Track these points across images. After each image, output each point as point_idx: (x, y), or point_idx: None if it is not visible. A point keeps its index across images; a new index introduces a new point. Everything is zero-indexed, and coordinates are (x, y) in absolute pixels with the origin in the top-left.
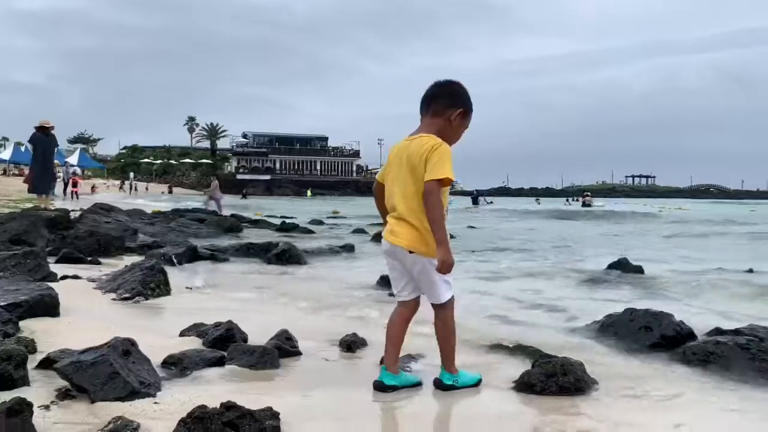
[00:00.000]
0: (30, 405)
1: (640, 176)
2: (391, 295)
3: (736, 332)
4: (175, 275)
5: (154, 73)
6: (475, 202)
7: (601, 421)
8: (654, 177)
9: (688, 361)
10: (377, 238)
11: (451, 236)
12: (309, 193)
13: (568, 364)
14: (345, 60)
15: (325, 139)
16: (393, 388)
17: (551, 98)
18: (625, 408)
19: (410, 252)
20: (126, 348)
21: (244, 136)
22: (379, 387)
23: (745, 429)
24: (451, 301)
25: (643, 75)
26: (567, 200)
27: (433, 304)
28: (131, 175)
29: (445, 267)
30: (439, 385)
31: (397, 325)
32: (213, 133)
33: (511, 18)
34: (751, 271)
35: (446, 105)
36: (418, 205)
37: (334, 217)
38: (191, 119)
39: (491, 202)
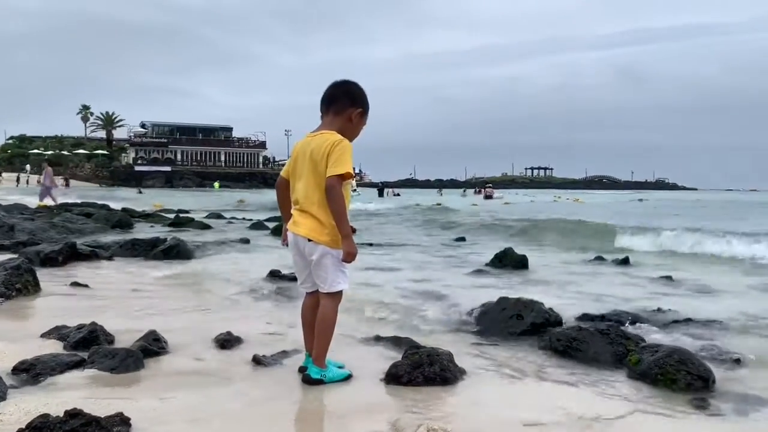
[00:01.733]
0: None
1: (539, 168)
2: (279, 291)
3: (602, 318)
4: (47, 274)
5: (43, 59)
6: (380, 194)
7: (457, 408)
8: (552, 169)
9: (553, 348)
10: (276, 231)
11: (354, 229)
12: (216, 185)
13: (434, 354)
14: (252, 49)
15: (230, 129)
16: (318, 382)
17: (458, 92)
18: (486, 395)
19: (309, 240)
20: None
21: (143, 125)
22: (306, 381)
23: (593, 406)
24: (340, 293)
25: (544, 71)
26: (463, 191)
27: (321, 293)
28: (27, 167)
29: (350, 257)
30: (307, 379)
31: (309, 312)
32: (109, 122)
33: (421, 11)
34: (626, 261)
35: (346, 104)
36: (319, 198)
37: (238, 209)
38: (85, 108)
39: (398, 194)
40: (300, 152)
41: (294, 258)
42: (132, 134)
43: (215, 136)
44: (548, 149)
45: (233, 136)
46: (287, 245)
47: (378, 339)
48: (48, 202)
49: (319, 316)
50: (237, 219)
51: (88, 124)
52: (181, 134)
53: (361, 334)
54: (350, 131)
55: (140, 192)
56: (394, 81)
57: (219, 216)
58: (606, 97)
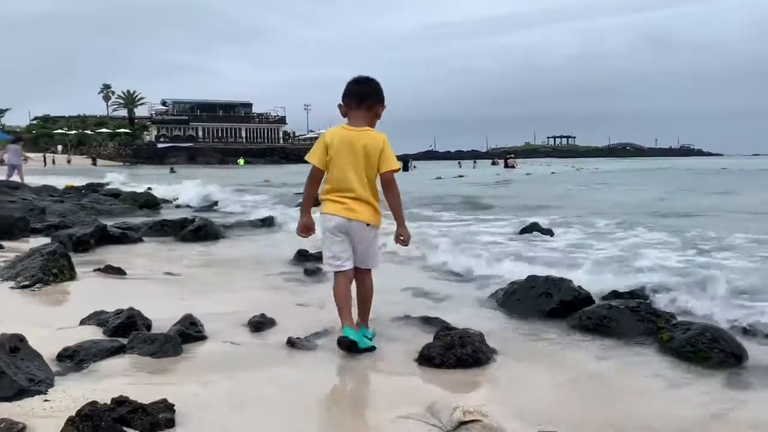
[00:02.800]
0: None
1: (561, 137)
2: (308, 272)
3: (631, 294)
4: (80, 258)
5: (64, 39)
6: (405, 167)
7: (491, 390)
8: (574, 137)
9: (583, 326)
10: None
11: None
12: (241, 161)
13: (466, 336)
14: (269, 22)
15: (250, 105)
16: (354, 344)
17: (477, 62)
18: (519, 376)
19: (368, 225)
20: (14, 344)
21: (164, 103)
22: (344, 343)
23: (626, 383)
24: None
25: (566, 38)
26: (493, 161)
27: (365, 269)
28: (59, 147)
29: (408, 240)
30: (354, 348)
31: (343, 290)
32: (130, 100)
33: None
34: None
35: (376, 101)
36: (372, 188)
37: (265, 185)
38: (106, 87)
39: (415, 167)
40: (343, 145)
41: (338, 241)
42: (153, 112)
43: (235, 112)
44: (570, 118)
45: (253, 111)
46: (304, 236)
47: (408, 318)
48: (15, 179)
49: (367, 290)
50: (260, 192)
51: (109, 103)
52: (202, 111)
53: (391, 313)
54: (375, 124)
55: (173, 171)
56: (412, 52)
57: (242, 191)
58: (629, 64)
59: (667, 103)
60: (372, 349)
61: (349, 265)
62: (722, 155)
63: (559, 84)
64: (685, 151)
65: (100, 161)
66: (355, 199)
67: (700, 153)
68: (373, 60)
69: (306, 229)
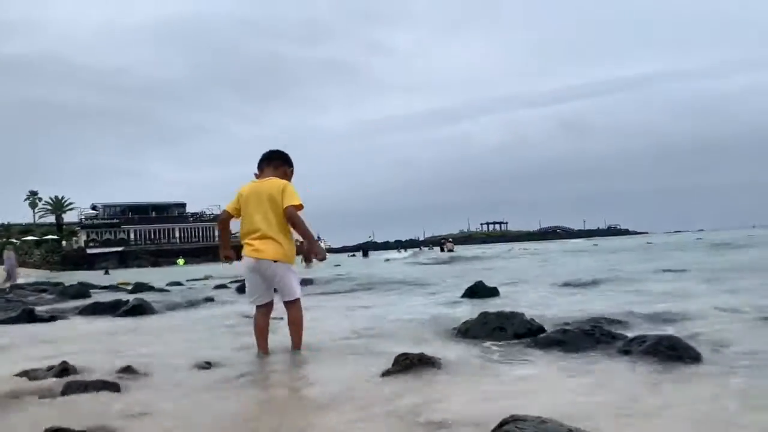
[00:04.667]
0: None
1: (494, 223)
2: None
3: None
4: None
5: None
6: (365, 254)
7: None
8: (507, 223)
9: (538, 345)
10: (240, 290)
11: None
12: (181, 261)
13: (425, 358)
14: (202, 121)
15: (183, 205)
16: None
17: (412, 154)
18: (474, 381)
19: (275, 261)
20: None
21: (94, 207)
22: None
23: (586, 389)
24: (299, 299)
25: (493, 129)
26: (430, 247)
27: (287, 302)
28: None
29: (321, 254)
30: None
31: (261, 322)
32: (58, 206)
33: (372, 78)
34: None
35: (282, 163)
36: (278, 226)
37: (203, 279)
38: (33, 194)
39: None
40: (252, 193)
41: (251, 278)
42: (83, 217)
43: (168, 212)
44: (502, 204)
45: (187, 211)
46: (227, 263)
47: (366, 350)
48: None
49: (292, 319)
50: (197, 287)
51: (36, 210)
52: (134, 213)
53: (352, 350)
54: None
55: (107, 273)
56: (349, 146)
57: (179, 283)
58: (553, 151)
59: (591, 185)
60: None
61: (262, 301)
62: (647, 233)
63: (490, 172)
64: (613, 231)
65: (24, 270)
66: (260, 238)
67: (626, 232)
68: (307, 155)
69: (226, 256)
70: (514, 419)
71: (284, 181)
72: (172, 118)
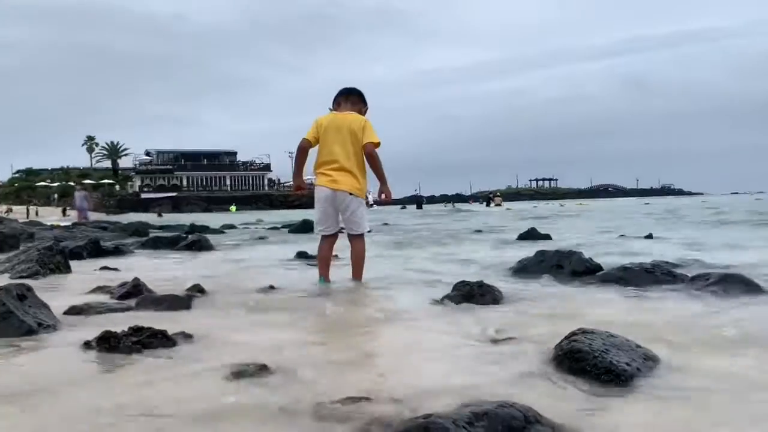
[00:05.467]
0: None
1: (544, 179)
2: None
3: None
4: (74, 264)
5: (46, 92)
6: (419, 206)
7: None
8: (557, 180)
9: (599, 283)
10: (294, 230)
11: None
12: (233, 208)
13: (485, 285)
14: (253, 72)
15: (234, 153)
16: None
17: (459, 108)
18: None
19: (350, 194)
20: (21, 292)
21: (147, 153)
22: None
23: (649, 315)
24: (364, 233)
25: (545, 83)
26: (480, 201)
27: (354, 235)
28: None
29: (389, 195)
30: None
31: (325, 251)
32: (114, 152)
33: (420, 28)
34: (650, 236)
35: (359, 101)
36: (356, 159)
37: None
38: (90, 139)
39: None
40: (331, 124)
41: (323, 208)
42: (137, 162)
43: (220, 160)
44: (552, 160)
45: (237, 159)
46: (300, 195)
47: (422, 281)
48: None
49: (358, 252)
50: (250, 226)
51: (93, 155)
52: (186, 160)
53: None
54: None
55: (160, 215)
56: (396, 99)
57: (232, 226)
58: (607, 107)
59: (647, 143)
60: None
61: (330, 231)
62: (702, 194)
63: (541, 128)
64: (666, 191)
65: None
66: (339, 170)
67: (680, 192)
68: None
69: (298, 188)
70: (582, 331)
71: (364, 117)
72: (223, 67)
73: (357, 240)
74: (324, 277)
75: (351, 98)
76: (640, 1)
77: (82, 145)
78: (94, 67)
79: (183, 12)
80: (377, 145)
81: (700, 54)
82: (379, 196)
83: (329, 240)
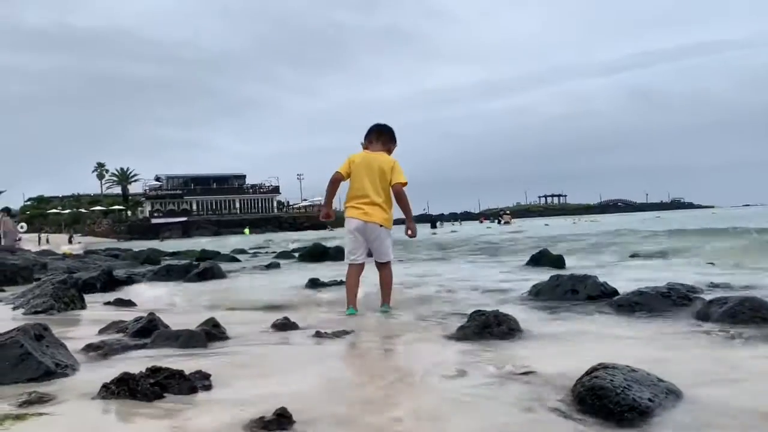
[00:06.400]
0: None
1: (552, 195)
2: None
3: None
4: (88, 297)
5: (57, 120)
6: (434, 225)
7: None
8: (565, 196)
9: (615, 309)
10: (304, 258)
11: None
12: (247, 231)
13: (501, 315)
14: (260, 95)
15: (243, 177)
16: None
17: (466, 126)
18: (551, 342)
19: (380, 226)
20: (38, 332)
21: (157, 179)
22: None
23: (667, 347)
24: (390, 261)
25: (551, 99)
26: (491, 220)
27: (382, 263)
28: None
29: (414, 232)
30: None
31: (353, 278)
32: (124, 177)
33: (426, 48)
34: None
35: (390, 140)
36: (385, 196)
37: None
38: (100, 165)
39: (442, 226)
40: (363, 162)
41: (355, 238)
42: (147, 188)
43: (229, 184)
44: (561, 176)
45: (246, 183)
46: (328, 219)
47: (439, 313)
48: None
49: (386, 278)
50: (262, 252)
51: (103, 181)
52: (196, 185)
53: (425, 310)
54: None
55: (161, 241)
56: (403, 118)
57: (244, 251)
58: (615, 121)
59: (655, 157)
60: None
61: (361, 260)
62: (713, 207)
63: (548, 144)
64: (676, 204)
65: (91, 239)
66: (370, 204)
67: (690, 206)
68: (363, 128)
69: (327, 216)
70: (603, 367)
71: (394, 159)
72: (231, 91)
73: (385, 267)
74: (353, 306)
75: (382, 138)
76: (645, 15)
77: (93, 171)
78: (103, 93)
79: (190, 38)
80: (404, 184)
81: (707, 66)
82: (406, 233)
83: (358, 269)
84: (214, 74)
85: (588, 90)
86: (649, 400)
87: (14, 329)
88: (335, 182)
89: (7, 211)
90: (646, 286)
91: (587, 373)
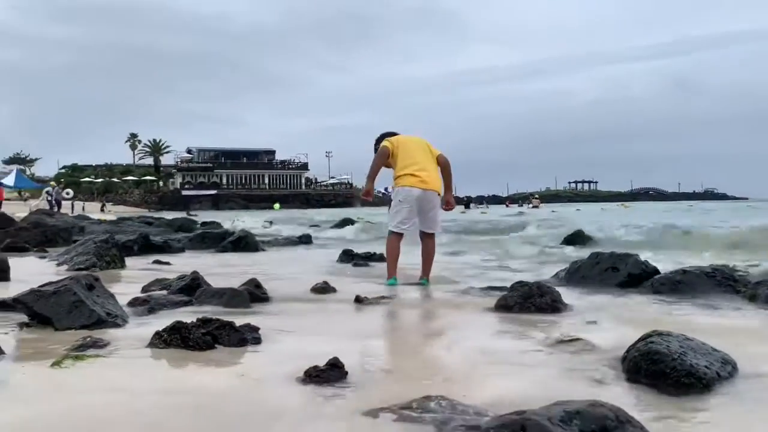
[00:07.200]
0: None
1: (583, 182)
2: (356, 264)
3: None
4: (127, 259)
5: (92, 89)
6: (467, 206)
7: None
8: (596, 182)
9: (656, 291)
10: (340, 224)
11: None
12: (277, 206)
13: (544, 286)
14: (291, 71)
15: (273, 152)
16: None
17: (497, 108)
18: (594, 314)
19: (438, 194)
20: (89, 282)
21: (189, 151)
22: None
23: (710, 327)
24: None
25: (586, 84)
26: (507, 204)
27: (429, 233)
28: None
29: (453, 204)
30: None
31: (396, 248)
32: (156, 149)
33: (462, 27)
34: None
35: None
36: (434, 167)
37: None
38: (133, 136)
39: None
40: (408, 139)
41: (411, 207)
42: (179, 160)
43: (258, 159)
44: (592, 163)
45: (276, 158)
46: (368, 199)
47: (476, 288)
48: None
49: (431, 250)
50: (289, 225)
51: (136, 152)
52: (226, 158)
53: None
54: None
55: (189, 215)
56: (434, 99)
57: (272, 222)
58: (651, 109)
59: (690, 147)
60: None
61: (412, 229)
62: (747, 199)
63: (581, 129)
64: (709, 195)
65: (123, 208)
66: (424, 170)
67: (724, 197)
68: (393, 107)
69: (368, 194)
70: (657, 333)
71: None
72: (261, 65)
73: (431, 239)
74: (395, 276)
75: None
76: (687, 0)
77: (126, 142)
78: (138, 65)
79: (227, 11)
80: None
81: (749, 55)
82: (443, 205)
83: (401, 237)
84: (246, 48)
85: (625, 75)
86: (706, 367)
87: (66, 278)
88: (384, 155)
89: (58, 181)
90: (690, 265)
91: (641, 339)
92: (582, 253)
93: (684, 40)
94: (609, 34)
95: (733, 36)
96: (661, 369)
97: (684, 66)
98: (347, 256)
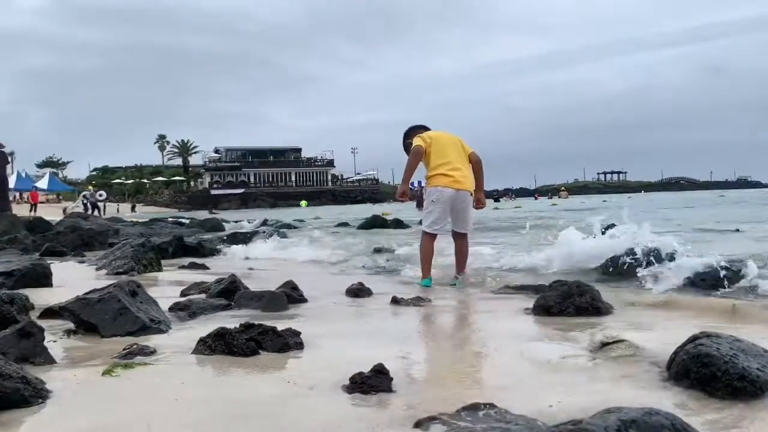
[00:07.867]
0: (41, 329)
1: (612, 172)
2: (388, 260)
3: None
4: (163, 262)
5: (121, 92)
6: (497, 200)
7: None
8: (625, 173)
9: (697, 283)
10: (364, 226)
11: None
12: (303, 203)
13: (584, 285)
14: (316, 68)
15: (299, 150)
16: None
17: (525, 99)
18: (636, 314)
19: (470, 194)
20: (132, 289)
21: (216, 151)
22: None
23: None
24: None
25: (614, 73)
26: (536, 196)
27: (462, 233)
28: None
29: (484, 203)
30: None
31: (430, 248)
32: (184, 149)
33: (486, 18)
34: (737, 230)
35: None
36: (467, 165)
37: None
38: (162, 137)
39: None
40: (441, 136)
41: (445, 207)
42: (207, 160)
43: (285, 157)
44: (621, 153)
45: (302, 156)
46: (403, 200)
47: (507, 287)
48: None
49: (465, 249)
50: (316, 221)
51: (165, 153)
52: (253, 157)
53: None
54: None
55: (212, 213)
56: (460, 92)
57: (301, 220)
58: (682, 96)
59: (723, 134)
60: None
61: (443, 230)
62: None
63: (609, 119)
64: (742, 183)
65: (154, 208)
66: (457, 169)
67: (758, 185)
68: (419, 102)
69: (403, 194)
70: (706, 335)
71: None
72: (286, 64)
73: (464, 238)
74: (429, 277)
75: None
76: None
77: (154, 143)
78: (163, 66)
79: (249, 10)
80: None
81: None
82: (474, 204)
83: (434, 238)
84: (271, 47)
85: (655, 63)
86: (758, 370)
87: (110, 285)
88: (418, 154)
89: (93, 185)
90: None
91: (689, 341)
92: None
93: (716, 24)
94: (637, 20)
95: (758, 21)
96: (711, 372)
97: (716, 51)
98: (376, 251)
